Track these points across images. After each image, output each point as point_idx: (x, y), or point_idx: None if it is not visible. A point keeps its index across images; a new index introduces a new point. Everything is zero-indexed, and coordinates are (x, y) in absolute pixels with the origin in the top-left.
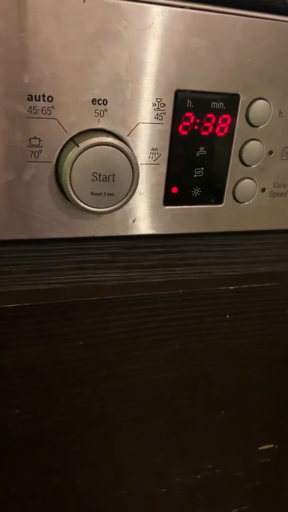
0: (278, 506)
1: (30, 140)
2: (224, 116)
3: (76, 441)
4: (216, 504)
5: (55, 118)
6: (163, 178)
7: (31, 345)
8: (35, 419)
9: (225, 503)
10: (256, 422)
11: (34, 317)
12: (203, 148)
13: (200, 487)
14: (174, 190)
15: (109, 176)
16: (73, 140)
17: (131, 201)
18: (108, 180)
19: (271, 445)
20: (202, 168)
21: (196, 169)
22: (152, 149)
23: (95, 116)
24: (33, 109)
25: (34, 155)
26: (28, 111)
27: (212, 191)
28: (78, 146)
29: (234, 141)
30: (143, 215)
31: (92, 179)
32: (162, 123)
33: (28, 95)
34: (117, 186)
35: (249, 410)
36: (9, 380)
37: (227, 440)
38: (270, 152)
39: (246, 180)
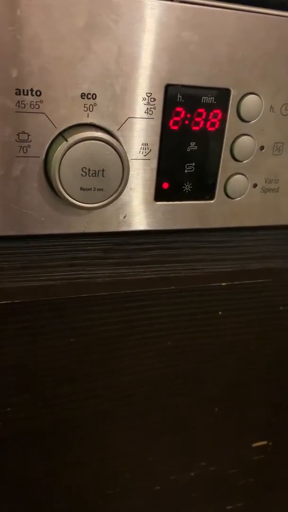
0: (272, 502)
1: (18, 135)
2: (215, 111)
3: (68, 439)
4: (210, 501)
5: (43, 113)
6: (154, 174)
7: (22, 343)
8: (26, 418)
9: (219, 500)
10: (250, 419)
11: (25, 314)
12: (194, 143)
13: (194, 485)
14: (165, 185)
15: (98, 171)
16: (62, 135)
17: (122, 197)
18: (98, 175)
19: (264, 442)
20: (193, 164)
21: (187, 164)
22: (143, 144)
23: (84, 110)
24: (22, 104)
25: (23, 150)
26: (16, 105)
27: (204, 186)
28: (67, 141)
29: (225, 136)
30: (134, 211)
31: (82, 174)
32: (153, 118)
33: (16, 89)
34: (107, 182)
35: (242, 407)
36: (0, 378)
37: (221, 437)
38: (262, 148)
39: (238, 176)
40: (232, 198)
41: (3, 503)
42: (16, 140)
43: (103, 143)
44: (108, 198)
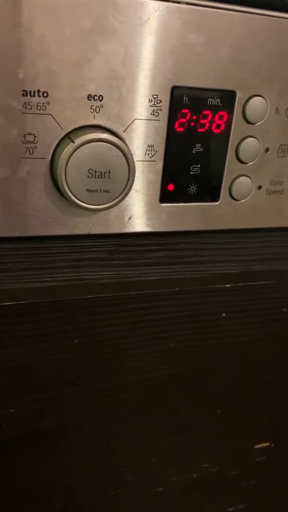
0: (274, 504)
1: (25, 136)
2: (221, 113)
3: (71, 440)
4: (212, 503)
5: (50, 114)
6: (159, 175)
7: (26, 344)
8: (30, 418)
9: (222, 502)
10: (252, 421)
11: (29, 315)
12: (200, 145)
13: (196, 486)
14: (170, 187)
15: (104, 172)
16: (69, 136)
17: (127, 198)
18: (104, 177)
19: (267, 444)
20: (199, 165)
21: (193, 166)
22: (148, 145)
23: (90, 112)
24: (28, 105)
25: (29, 152)
26: (23, 106)
27: (209, 188)
28: (73, 142)
29: (230, 138)
30: (139, 212)
31: (88, 176)
32: (159, 120)
33: (23, 90)
34: (112, 183)
35: (245, 409)
36: (4, 379)
37: (223, 439)
38: (267, 150)
39: (243, 178)
40: (237, 200)
41: (5, 503)
42: (22, 141)
43: (109, 145)
44: (114, 199)
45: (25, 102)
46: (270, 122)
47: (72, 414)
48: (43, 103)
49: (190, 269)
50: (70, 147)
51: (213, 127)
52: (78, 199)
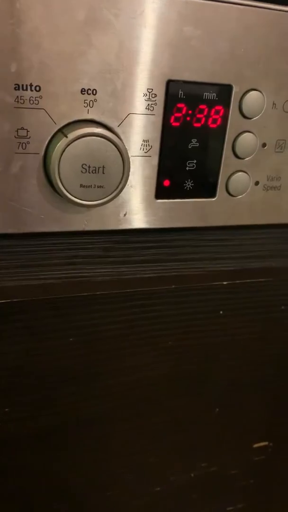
0: (273, 503)
1: (17, 131)
2: (217, 107)
3: (68, 440)
4: (211, 502)
5: (43, 109)
6: (154, 171)
7: (21, 342)
8: (25, 418)
9: (220, 501)
10: (251, 420)
11: (24, 313)
12: (196, 140)
13: (194, 486)
14: (166, 183)
15: (98, 168)
16: (62, 131)
17: (122, 194)
18: (98, 172)
19: (265, 443)
20: (195, 161)
21: (188, 161)
22: (144, 140)
23: (84, 106)
24: (21, 99)
25: (22, 147)
26: (15, 101)
27: (205, 184)
28: (66, 137)
29: (227, 133)
30: (134, 208)
31: (81, 171)
32: (154, 114)
33: (15, 84)
34: (107, 179)
35: (243, 408)
36: None
37: (222, 438)
38: (264, 145)
39: (239, 173)
40: (233, 196)
41: (3, 504)
42: (15, 136)
43: (104, 140)
44: (108, 195)
45: (18, 96)
46: (267, 117)
47: (69, 414)
48: (35, 97)
49: (187, 266)
50: (63, 142)
51: (209, 121)
52: (71, 195)
